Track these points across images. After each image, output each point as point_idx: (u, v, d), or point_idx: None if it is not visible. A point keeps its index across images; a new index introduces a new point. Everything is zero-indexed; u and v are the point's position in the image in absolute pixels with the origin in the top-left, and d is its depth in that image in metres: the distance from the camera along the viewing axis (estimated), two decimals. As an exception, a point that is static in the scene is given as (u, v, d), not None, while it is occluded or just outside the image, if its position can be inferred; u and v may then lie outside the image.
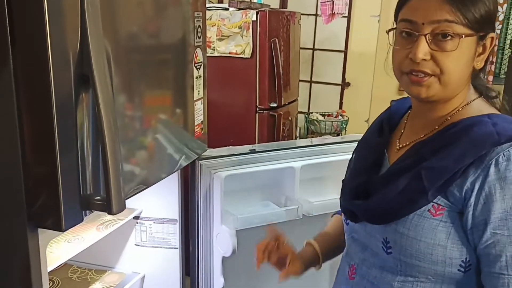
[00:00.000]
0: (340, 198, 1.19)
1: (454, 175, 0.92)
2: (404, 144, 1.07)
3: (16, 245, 1.03)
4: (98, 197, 1.06)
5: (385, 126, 1.16)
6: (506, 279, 0.90)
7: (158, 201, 1.66)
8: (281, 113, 2.96)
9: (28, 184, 0.98)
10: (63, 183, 0.98)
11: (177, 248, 1.67)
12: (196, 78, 1.47)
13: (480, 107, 0.99)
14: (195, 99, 1.47)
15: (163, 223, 1.66)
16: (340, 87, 4.34)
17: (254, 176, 1.73)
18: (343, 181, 1.21)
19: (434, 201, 0.95)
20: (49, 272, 1.71)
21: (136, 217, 1.68)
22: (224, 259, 1.63)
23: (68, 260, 1.77)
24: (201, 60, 1.48)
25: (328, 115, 4.08)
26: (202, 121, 1.54)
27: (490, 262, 0.93)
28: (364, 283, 1.10)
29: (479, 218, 0.91)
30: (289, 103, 3.17)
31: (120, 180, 1.04)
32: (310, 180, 1.81)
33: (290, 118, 3.27)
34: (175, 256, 1.68)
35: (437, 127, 1.00)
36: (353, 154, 1.22)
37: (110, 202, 1.03)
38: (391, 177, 1.04)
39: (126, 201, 1.67)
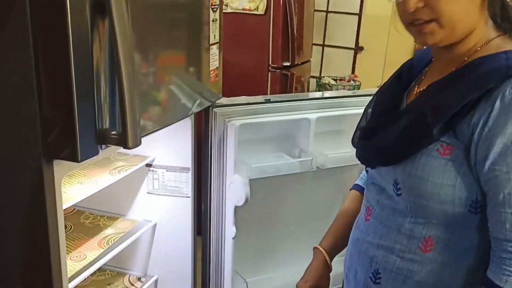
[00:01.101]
0: (352, 143, 1.18)
1: (462, 111, 0.90)
2: (422, 89, 1.05)
3: (31, 178, 1.02)
4: (114, 132, 1.05)
5: (404, 74, 1.14)
6: (503, 216, 0.88)
7: (171, 149, 1.64)
8: (294, 72, 2.91)
9: (44, 115, 0.97)
10: (79, 114, 0.96)
11: (189, 197, 1.67)
12: (212, 21, 1.43)
13: (500, 44, 0.96)
14: (210, 42, 1.43)
15: (176, 171, 1.65)
16: (353, 51, 4.26)
17: (268, 126, 1.71)
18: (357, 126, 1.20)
19: (442, 139, 0.94)
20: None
21: (149, 165, 1.67)
22: (236, 208, 1.62)
23: (81, 206, 1.79)
24: (217, 2, 1.44)
25: (340, 80, 4.03)
26: (217, 67, 1.50)
27: (491, 198, 0.92)
28: (377, 224, 1.10)
29: (481, 154, 0.89)
30: (302, 63, 3.12)
31: (137, 115, 1.02)
32: (324, 133, 1.79)
33: (302, 80, 3.22)
34: (187, 205, 1.68)
35: (454, 69, 0.98)
36: (369, 102, 1.20)
37: (126, 136, 1.02)
38: (397, 117, 1.03)
39: (139, 148, 1.67)
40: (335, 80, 4.02)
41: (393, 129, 1.01)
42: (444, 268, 1.00)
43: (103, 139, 1.04)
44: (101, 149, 1.05)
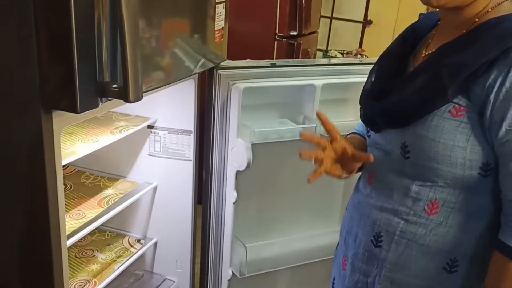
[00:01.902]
0: (360, 103, 1.16)
1: (476, 72, 0.88)
2: (430, 52, 1.03)
3: (30, 129, 1.00)
4: (115, 85, 1.02)
5: (409, 37, 1.12)
6: None
7: (174, 112, 1.62)
8: (300, 42, 2.87)
9: (43, 64, 0.94)
10: (79, 65, 0.93)
11: (190, 160, 1.65)
12: (219, -22, 1.39)
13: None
14: (217, 1, 1.39)
15: (178, 134, 1.63)
16: (361, 24, 4.19)
17: (273, 91, 1.68)
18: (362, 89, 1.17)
19: (455, 101, 0.92)
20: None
21: (151, 126, 1.65)
22: (238, 173, 1.60)
23: (82, 167, 1.78)
24: (225, -39, 1.40)
25: (347, 53, 3.97)
26: (222, 27, 1.47)
27: (505, 162, 0.90)
28: (381, 186, 1.08)
29: (496, 116, 0.88)
30: (309, 33, 3.06)
31: (138, 68, 1.00)
32: (330, 101, 1.76)
33: (308, 51, 3.17)
34: (189, 169, 1.66)
35: (464, 31, 0.96)
36: (373, 66, 1.18)
37: (127, 89, 1.00)
38: (410, 77, 1.01)
39: (141, 109, 1.66)
40: (342, 53, 3.97)
41: (405, 90, 0.99)
42: (449, 232, 0.99)
43: (103, 91, 1.02)
44: (102, 102, 1.03)
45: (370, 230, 1.10)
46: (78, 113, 0.96)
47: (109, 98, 1.04)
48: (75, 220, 1.41)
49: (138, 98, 1.03)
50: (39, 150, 1.01)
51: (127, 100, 1.01)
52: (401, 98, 1.00)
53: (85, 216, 1.44)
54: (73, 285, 1.47)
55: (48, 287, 1.12)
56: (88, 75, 0.97)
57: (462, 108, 0.92)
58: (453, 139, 0.93)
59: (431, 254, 1.01)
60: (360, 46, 4.22)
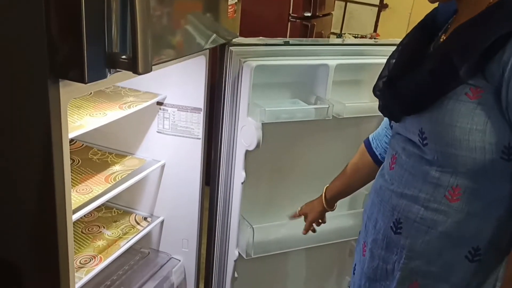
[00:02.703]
0: (376, 96, 1.13)
1: (491, 50, 0.84)
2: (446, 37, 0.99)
3: (37, 98, 0.97)
4: (124, 56, 1.00)
5: (428, 24, 1.09)
6: None
7: (184, 89, 1.59)
8: (314, 24, 2.81)
9: (52, 33, 0.91)
10: (88, 34, 0.91)
11: (199, 138, 1.63)
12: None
13: None
14: (230, -26, 1.36)
15: (187, 111, 1.60)
16: (377, 8, 4.11)
17: (285, 70, 1.65)
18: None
19: (471, 83, 0.88)
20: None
21: (160, 103, 1.62)
22: (247, 153, 1.58)
23: (90, 142, 1.76)
24: None
25: (361, 37, 3.91)
26: (235, 2, 1.43)
27: None
28: (402, 172, 1.05)
29: None
30: (323, 15, 3.01)
31: (148, 39, 0.97)
32: (343, 82, 1.72)
33: (322, 33, 3.12)
34: (197, 147, 1.64)
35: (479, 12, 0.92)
36: (392, 53, 1.14)
37: (136, 60, 0.97)
38: (423, 60, 0.97)
39: (150, 85, 1.63)
40: (356, 37, 3.90)
41: (417, 75, 0.96)
42: (471, 219, 0.95)
43: (112, 62, 0.99)
44: (110, 73, 1.00)
45: (389, 216, 1.07)
46: (86, 83, 0.93)
47: (118, 70, 1.02)
48: (82, 195, 1.39)
49: (147, 70, 1.00)
50: (45, 120, 0.98)
51: (136, 71, 0.98)
52: (413, 81, 0.97)
53: (92, 191, 1.43)
54: (78, 261, 1.46)
55: (52, 262, 1.11)
56: (97, 45, 0.94)
57: (479, 89, 0.88)
58: (470, 122, 0.89)
59: (452, 242, 0.98)
60: (375, 30, 4.15)
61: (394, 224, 1.07)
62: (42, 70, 0.94)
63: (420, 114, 0.96)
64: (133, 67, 0.98)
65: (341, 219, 1.83)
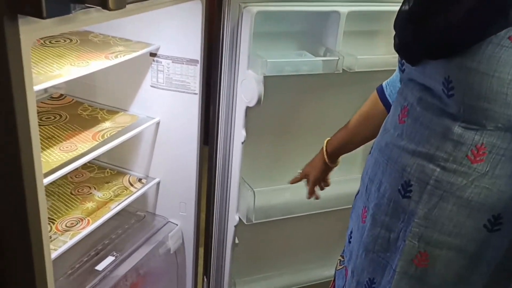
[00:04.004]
0: (394, 28, 0.96)
1: None
2: None
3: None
4: (93, -11, 0.85)
5: None
6: None
7: (178, 38, 1.44)
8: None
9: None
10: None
11: (196, 93, 1.49)
12: None
13: None
14: None
15: (183, 63, 1.46)
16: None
17: (291, 18, 1.48)
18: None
19: None
20: (55, 106, 1.58)
21: (153, 54, 1.48)
22: (247, 109, 1.44)
23: (80, 98, 1.64)
24: None
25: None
26: None
27: None
28: (416, 126, 0.90)
29: None
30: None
31: (120, -31, 0.82)
32: (356, 33, 1.55)
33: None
34: (194, 103, 1.50)
35: None
36: None
37: (106, -6, 0.82)
38: None
39: (143, 34, 1.48)
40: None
41: (452, 11, 0.79)
42: (495, 184, 0.81)
43: (78, -4, 0.85)
44: (75, 9, 0.86)
45: (398, 177, 0.94)
46: (44, 17, 0.79)
47: (87, 6, 0.87)
48: (65, 153, 1.28)
49: (120, 5, 0.85)
50: (3, 66, 0.85)
51: (106, 6, 0.84)
52: (446, 20, 0.80)
53: (76, 149, 1.31)
54: (64, 223, 1.36)
55: (22, 229, 0.99)
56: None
57: None
58: (511, 73, 0.74)
59: (470, 209, 0.84)
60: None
61: (402, 187, 0.93)
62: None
63: (448, 59, 0.81)
64: (102, 1, 0.84)
65: (348, 184, 1.69)
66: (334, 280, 1.28)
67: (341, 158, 1.33)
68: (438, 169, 0.86)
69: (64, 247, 1.27)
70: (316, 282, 1.90)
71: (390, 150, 0.97)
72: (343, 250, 1.23)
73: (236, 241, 1.64)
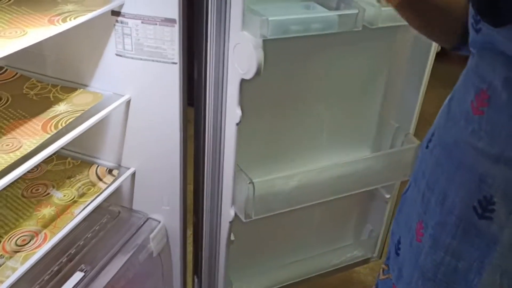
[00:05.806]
0: None
1: None
2: None
3: None
4: None
5: None
6: None
7: (148, -9, 1.10)
8: None
9: None
10: None
11: (176, 63, 1.16)
12: None
13: None
14: None
15: (156, 23, 1.12)
16: None
17: (295, -40, 1.14)
18: None
19: None
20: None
21: (115, 13, 1.13)
22: (243, 82, 1.12)
23: (27, 70, 1.29)
24: None
25: None
26: None
27: None
28: (502, 120, 0.62)
29: None
30: None
31: None
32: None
33: None
34: (173, 75, 1.17)
35: None
36: None
37: None
38: None
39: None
40: None
41: None
42: None
43: None
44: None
45: (473, 190, 0.67)
46: None
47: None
48: (5, 154, 0.96)
49: None
50: None
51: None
52: None
53: (20, 147, 0.99)
54: (13, 241, 1.06)
55: None
56: None
57: None
58: None
59: None
60: None
61: (480, 204, 0.68)
62: None
63: None
64: None
65: (366, 162, 1.41)
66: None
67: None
68: None
69: (14, 277, 0.98)
70: (322, 271, 1.66)
71: (462, 152, 0.69)
72: (387, 257, 0.98)
73: (232, 237, 1.36)
